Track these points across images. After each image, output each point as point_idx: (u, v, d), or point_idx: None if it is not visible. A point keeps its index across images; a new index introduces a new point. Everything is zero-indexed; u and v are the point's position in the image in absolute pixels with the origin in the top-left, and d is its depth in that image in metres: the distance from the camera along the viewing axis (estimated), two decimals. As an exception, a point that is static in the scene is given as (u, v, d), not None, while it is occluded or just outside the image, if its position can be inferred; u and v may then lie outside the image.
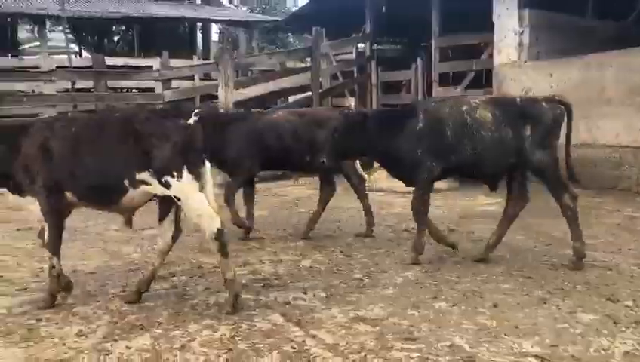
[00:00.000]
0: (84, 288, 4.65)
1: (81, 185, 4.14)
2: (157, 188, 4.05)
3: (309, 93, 12.46)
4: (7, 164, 4.23)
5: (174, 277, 4.94)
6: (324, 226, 6.70)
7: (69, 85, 12.40)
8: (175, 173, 3.97)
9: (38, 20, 18.35)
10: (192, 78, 14.47)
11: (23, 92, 11.89)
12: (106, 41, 27.86)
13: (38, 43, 24.98)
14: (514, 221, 5.32)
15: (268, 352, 3.43)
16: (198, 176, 4.05)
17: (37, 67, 13.86)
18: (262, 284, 4.68)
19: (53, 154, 4.12)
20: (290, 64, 15.28)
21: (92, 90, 12.03)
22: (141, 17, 20.04)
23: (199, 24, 22.74)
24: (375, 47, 13.95)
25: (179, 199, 4.04)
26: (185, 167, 3.99)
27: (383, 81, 13.55)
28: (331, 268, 5.14)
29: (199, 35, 23.69)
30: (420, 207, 5.19)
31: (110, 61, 14.01)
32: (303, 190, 9.88)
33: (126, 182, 4.05)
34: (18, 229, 6.91)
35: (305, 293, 4.45)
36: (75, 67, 12.76)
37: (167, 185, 4.00)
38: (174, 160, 3.98)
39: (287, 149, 6.23)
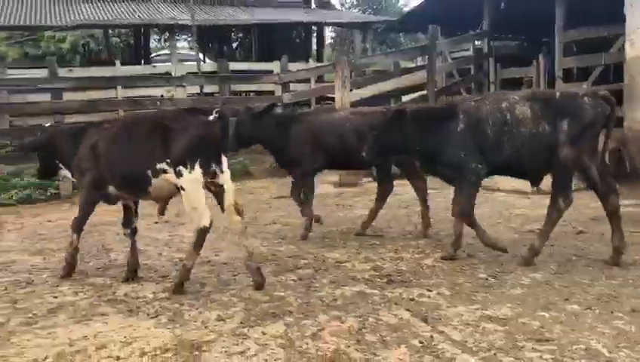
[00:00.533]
0: (220, 277, 4.98)
1: (118, 177, 4.74)
2: (173, 177, 4.47)
3: (425, 92, 12.37)
4: (71, 159, 5.06)
5: (299, 270, 5.14)
6: (442, 226, 6.65)
7: (197, 90, 13.25)
8: (188, 165, 4.37)
9: (169, 30, 19.66)
10: (307, 80, 14.89)
11: (161, 96, 12.92)
12: (225, 47, 29.33)
13: (166, 51, 26.83)
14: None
15: (396, 345, 3.50)
16: (209, 171, 4.44)
17: (168, 73, 14.94)
18: (385, 280, 4.75)
19: (100, 154, 4.78)
20: (402, 64, 15.30)
21: (216, 94, 12.82)
22: (263, 24, 20.81)
23: (314, 28, 23.29)
24: (493, 43, 13.55)
25: (183, 189, 4.44)
26: (198, 160, 4.38)
27: (501, 78, 13.14)
28: (454, 267, 5.10)
29: (313, 39, 24.27)
30: (468, 210, 5.17)
31: (233, 66, 14.82)
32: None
33: (149, 172, 4.54)
34: (156, 222, 7.50)
35: (429, 290, 4.47)
36: (203, 72, 13.61)
37: (179, 175, 4.41)
38: (190, 152, 4.39)
39: (347, 147, 6.24)
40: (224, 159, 4.53)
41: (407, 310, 4.07)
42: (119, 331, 3.81)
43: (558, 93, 5.18)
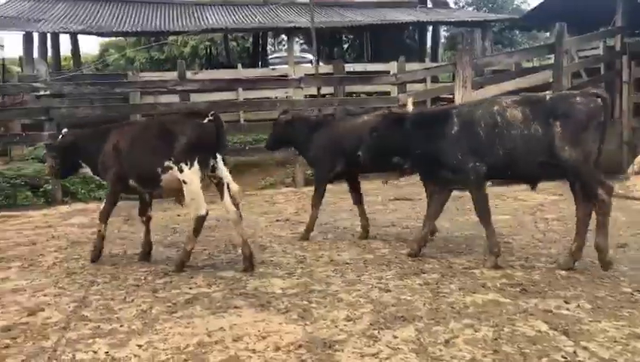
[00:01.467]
0: (344, 277, 5.00)
1: (135, 173, 5.44)
2: (177, 173, 5.15)
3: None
4: (95, 157, 5.74)
5: (425, 274, 5.03)
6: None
7: (315, 91, 13.48)
8: (188, 162, 5.10)
9: (288, 33, 20.16)
10: (423, 81, 14.66)
11: (276, 98, 13.30)
12: (336, 49, 29.63)
13: (279, 54, 27.58)
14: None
15: (536, 358, 3.33)
16: (206, 167, 5.18)
17: (285, 75, 15.33)
18: (518, 289, 4.53)
19: (121, 152, 5.47)
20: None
21: (331, 95, 12.96)
22: (374, 24, 20.78)
23: (428, 27, 22.93)
24: (627, 40, 12.56)
25: (185, 183, 5.14)
26: (196, 157, 5.11)
27: (637, 77, 12.15)
28: (592, 279, 4.77)
29: (428, 39, 23.90)
30: (483, 208, 5.25)
31: (348, 67, 14.92)
32: (543, 195, 9.34)
33: (159, 169, 5.24)
34: (277, 220, 7.71)
35: (567, 303, 4.21)
36: (321, 74, 13.82)
37: (181, 170, 5.12)
38: (188, 150, 5.11)
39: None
40: (219, 156, 5.27)
41: (545, 322, 3.85)
42: (253, 324, 3.93)
43: (548, 95, 5.22)
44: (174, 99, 11.72)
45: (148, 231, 5.87)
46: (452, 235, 6.55)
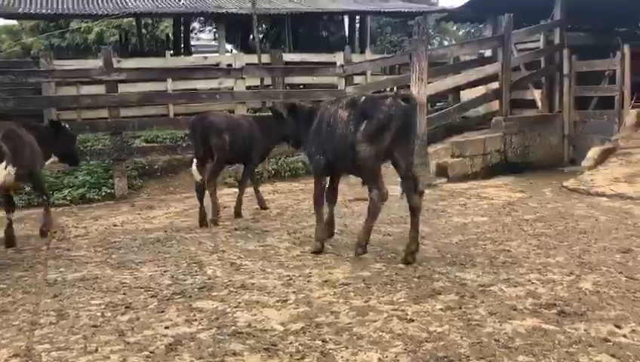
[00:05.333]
0: (350, 303, 4.23)
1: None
2: None
3: (496, 87, 11.56)
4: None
5: (441, 296, 4.37)
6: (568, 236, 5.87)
7: (257, 82, 12.52)
8: None
9: (216, 19, 18.82)
10: (364, 73, 14.07)
11: (214, 89, 12.18)
12: (251, 38, 28.31)
13: (200, 42, 26.02)
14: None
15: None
16: None
17: (217, 65, 14.19)
18: (555, 312, 3.97)
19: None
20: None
21: (270, 86, 12.11)
22: (296, 13, 19.90)
23: (358, 18, 22.38)
24: (567, 34, 12.60)
25: None
26: None
27: (577, 71, 12.21)
28: (624, 294, 4.31)
29: (356, 30, 23.36)
30: (318, 197, 5.72)
31: (286, 57, 14.05)
32: (506, 192, 9.04)
33: None
34: (236, 229, 6.81)
35: (618, 327, 3.70)
36: (264, 64, 12.85)
37: None
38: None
39: None
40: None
41: (612, 356, 3.30)
42: None
43: (363, 97, 5.49)
44: (100, 90, 10.37)
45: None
46: (441, 241, 5.96)
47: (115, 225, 7.40)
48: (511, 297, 4.28)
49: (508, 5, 12.22)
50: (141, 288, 4.71)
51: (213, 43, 28.55)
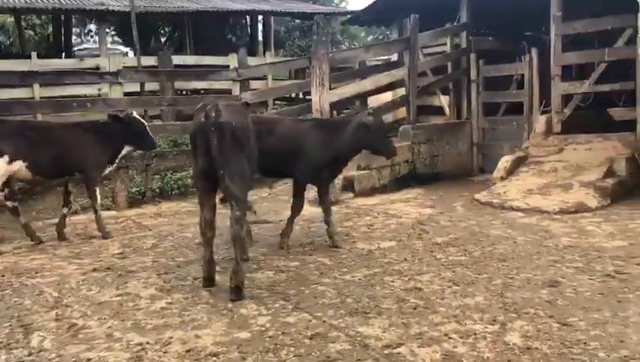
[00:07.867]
0: None
1: None
2: None
3: (403, 93, 10.85)
4: None
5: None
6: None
7: (137, 88, 11.07)
8: None
9: (98, 17, 17.04)
10: (264, 78, 12.98)
11: (86, 96, 10.62)
12: (152, 41, 26.51)
13: (94, 45, 23.88)
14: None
15: None
16: None
17: (97, 68, 12.59)
18: None
19: None
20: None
21: (158, 93, 10.77)
22: (196, 14, 18.55)
23: (260, 18, 21.23)
24: (472, 38, 12.12)
25: None
26: None
27: (485, 76, 11.74)
28: (559, 349, 3.48)
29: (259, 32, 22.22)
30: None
31: (177, 60, 12.70)
32: (415, 208, 8.25)
33: None
34: (95, 269, 5.50)
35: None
36: (144, 67, 11.40)
37: None
38: None
39: None
40: None
41: None
42: None
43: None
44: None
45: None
46: (341, 279, 4.96)
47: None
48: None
49: (414, 7, 11.59)
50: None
51: (109, 46, 26.48)
